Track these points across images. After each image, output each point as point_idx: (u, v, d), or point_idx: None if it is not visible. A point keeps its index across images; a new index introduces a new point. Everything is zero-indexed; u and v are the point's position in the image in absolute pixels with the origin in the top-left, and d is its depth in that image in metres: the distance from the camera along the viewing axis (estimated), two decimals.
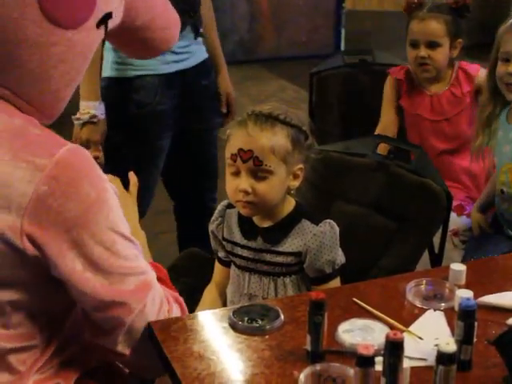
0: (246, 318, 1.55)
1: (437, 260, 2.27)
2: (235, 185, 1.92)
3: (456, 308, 1.59)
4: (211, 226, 2.12)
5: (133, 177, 1.84)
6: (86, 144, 2.63)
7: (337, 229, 1.99)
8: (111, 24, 1.51)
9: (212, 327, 1.57)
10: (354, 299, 1.64)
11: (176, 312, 1.57)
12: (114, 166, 2.60)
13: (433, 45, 2.98)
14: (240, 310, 1.59)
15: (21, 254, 1.36)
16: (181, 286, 1.88)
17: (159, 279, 1.57)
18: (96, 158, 2.56)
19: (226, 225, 2.10)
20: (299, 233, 1.99)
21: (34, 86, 1.42)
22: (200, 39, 2.89)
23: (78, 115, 2.64)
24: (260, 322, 1.55)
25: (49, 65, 1.40)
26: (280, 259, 2.00)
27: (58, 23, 1.37)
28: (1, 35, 1.36)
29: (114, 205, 1.43)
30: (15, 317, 1.44)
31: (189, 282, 2.22)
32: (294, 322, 1.57)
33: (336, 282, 2.02)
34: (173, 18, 1.73)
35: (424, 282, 1.69)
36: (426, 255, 2.29)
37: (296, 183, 1.99)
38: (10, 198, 1.33)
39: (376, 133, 3.03)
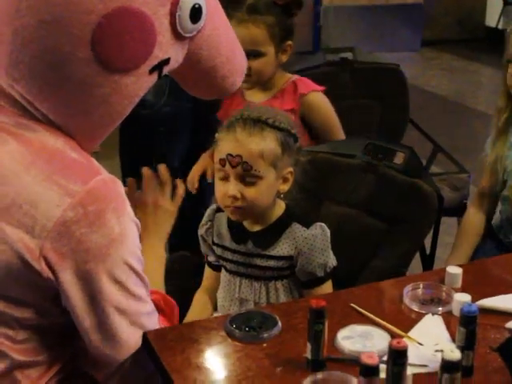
0: (243, 326, 1.53)
1: (429, 261, 2.26)
2: (224, 190, 1.90)
3: (454, 312, 1.59)
4: (200, 231, 2.10)
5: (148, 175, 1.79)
6: None
7: (328, 231, 1.97)
8: (168, 68, 1.44)
9: (209, 336, 1.55)
10: (352, 304, 1.63)
11: None
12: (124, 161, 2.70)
13: (253, 54, 2.44)
14: (237, 317, 1.57)
15: (36, 274, 1.35)
16: (171, 289, 1.84)
17: (161, 312, 1.56)
18: None
19: (215, 229, 2.07)
20: (290, 236, 1.97)
21: (74, 120, 1.39)
22: None
23: None
24: (258, 330, 1.53)
25: (90, 104, 1.36)
26: (271, 263, 1.98)
27: (107, 66, 1.32)
28: (48, 65, 1.31)
29: (133, 242, 1.42)
30: (23, 333, 1.43)
31: (179, 285, 2.14)
32: (292, 329, 1.55)
33: (328, 285, 2.00)
34: (238, 67, 1.62)
35: (421, 285, 1.68)
36: (417, 256, 2.28)
37: (286, 187, 1.97)
38: (36, 218, 1.32)
39: None
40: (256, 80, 2.51)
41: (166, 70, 1.43)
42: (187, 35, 1.43)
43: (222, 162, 1.89)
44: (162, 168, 1.79)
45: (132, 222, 1.41)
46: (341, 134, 2.63)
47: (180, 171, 2.74)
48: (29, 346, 1.44)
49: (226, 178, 1.90)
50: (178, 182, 1.82)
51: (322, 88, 2.62)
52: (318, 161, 2.33)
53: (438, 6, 8.72)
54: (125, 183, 2.47)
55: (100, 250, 1.35)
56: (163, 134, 2.76)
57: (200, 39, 1.49)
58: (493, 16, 8.72)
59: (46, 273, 1.34)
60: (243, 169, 1.87)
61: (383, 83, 3.42)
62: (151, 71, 1.39)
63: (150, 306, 1.49)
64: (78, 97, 1.35)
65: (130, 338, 1.44)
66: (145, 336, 1.48)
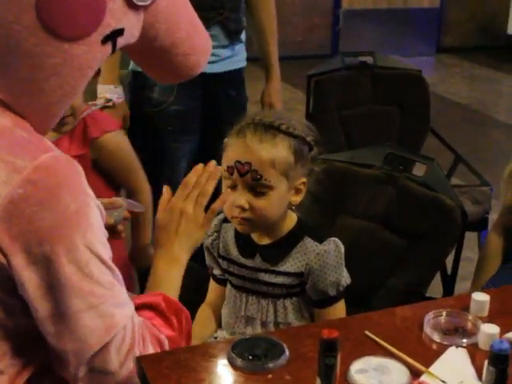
0: (246, 354, 1.39)
1: (450, 282, 2.13)
2: (231, 199, 1.80)
3: (480, 345, 1.45)
4: (206, 241, 2.00)
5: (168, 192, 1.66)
6: None
7: (342, 247, 1.87)
8: (123, 41, 1.36)
9: (208, 364, 1.41)
10: (367, 332, 1.49)
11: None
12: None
13: None
14: (240, 343, 1.43)
15: None
16: None
17: (161, 316, 1.46)
18: None
19: (221, 240, 1.98)
20: (301, 251, 1.87)
21: (24, 97, 1.30)
22: (239, 48, 2.71)
23: (94, 102, 2.57)
24: (263, 359, 1.39)
25: (40, 77, 1.28)
26: (280, 280, 1.89)
27: (55, 33, 1.25)
28: None
29: (95, 224, 1.30)
30: None
31: (183, 299, 2.03)
32: (301, 358, 1.41)
33: (341, 305, 1.90)
34: (200, 44, 1.55)
35: (443, 313, 1.54)
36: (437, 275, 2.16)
37: (298, 199, 1.87)
38: None
39: None
40: None
41: (120, 42, 1.35)
42: (140, 3, 1.36)
43: (230, 169, 1.79)
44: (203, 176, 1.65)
45: (93, 204, 1.31)
46: (142, 179, 2.46)
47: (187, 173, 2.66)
48: None
49: (234, 187, 1.81)
50: (220, 198, 1.68)
51: (117, 126, 2.46)
52: (334, 170, 2.24)
53: (459, 12, 8.61)
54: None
55: (54, 229, 1.24)
56: (171, 134, 2.67)
57: (156, 11, 1.41)
58: None
59: None
60: (252, 178, 1.78)
61: (405, 90, 3.29)
62: (104, 41, 1.31)
63: (121, 297, 1.37)
64: (27, 69, 1.27)
65: (94, 331, 1.31)
66: (138, 362, 1.35)
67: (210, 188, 1.62)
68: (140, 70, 2.51)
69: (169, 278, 1.58)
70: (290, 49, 7.01)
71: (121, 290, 1.37)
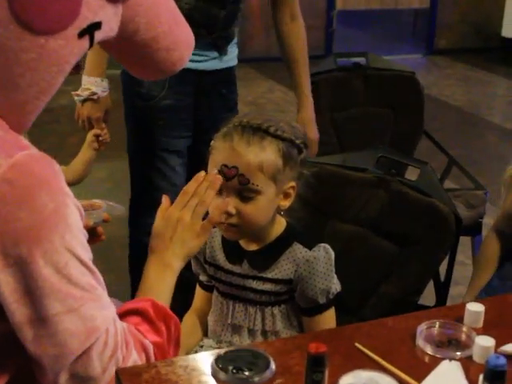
0: (231, 367, 1.33)
1: (443, 290, 2.07)
2: (217, 204, 1.72)
3: (475, 358, 1.39)
4: None
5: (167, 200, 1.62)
6: (88, 121, 2.60)
7: (332, 253, 1.83)
8: (101, 35, 1.31)
9: (190, 377, 1.34)
10: (357, 345, 1.42)
11: (134, 361, 1.36)
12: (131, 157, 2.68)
13: None
14: (224, 356, 1.36)
15: None
16: None
17: (148, 322, 1.42)
18: (98, 136, 2.58)
19: (208, 246, 1.92)
20: (290, 258, 1.83)
21: None
22: (230, 48, 2.65)
23: (79, 91, 2.57)
24: (247, 373, 1.32)
25: (15, 72, 1.22)
26: (268, 287, 1.84)
27: (29, 27, 1.19)
28: None
29: (74, 225, 1.25)
30: None
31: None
32: (287, 372, 1.34)
33: (330, 314, 1.86)
34: (183, 39, 1.50)
35: (437, 324, 1.48)
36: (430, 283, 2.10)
37: (287, 203, 1.83)
38: None
39: None
40: None
41: (98, 36, 1.31)
42: None
43: (216, 173, 1.72)
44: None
45: (72, 205, 1.26)
46: None
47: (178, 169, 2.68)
48: None
49: (219, 192, 1.73)
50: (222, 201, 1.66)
51: None
52: (325, 174, 2.17)
53: (452, 14, 8.58)
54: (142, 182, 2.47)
55: (31, 230, 1.19)
56: (162, 128, 2.62)
57: (135, 4, 1.37)
58: (509, 27, 8.57)
59: None
60: (240, 182, 1.74)
61: (398, 91, 3.24)
62: (81, 35, 1.26)
63: (103, 300, 1.32)
64: (1, 64, 1.21)
65: (75, 335, 1.26)
66: (116, 375, 1.29)
67: (209, 197, 1.58)
68: None
69: (159, 284, 1.53)
70: None
71: (102, 292, 1.32)
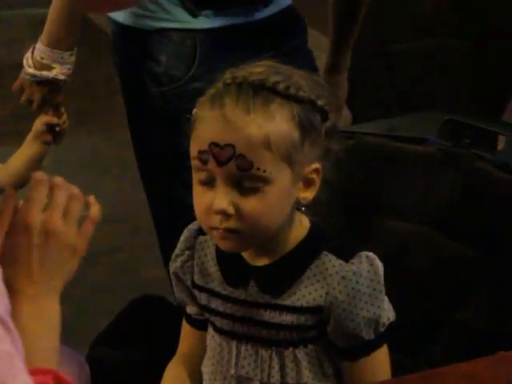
0: None
1: None
2: (207, 202, 1.40)
3: None
4: (174, 265, 1.58)
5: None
6: (41, 102, 2.04)
7: (380, 266, 1.46)
8: None
9: None
10: None
11: None
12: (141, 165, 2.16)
13: None
14: None
15: None
16: (126, 356, 1.62)
17: None
18: (55, 126, 2.07)
19: (197, 262, 1.56)
20: (318, 275, 1.47)
21: None
22: None
23: (31, 70, 1.99)
24: None
25: None
26: (287, 319, 1.48)
27: None
28: None
29: None
30: None
31: (141, 349, 1.80)
32: None
33: (382, 354, 1.48)
34: None
35: None
36: None
37: (309, 194, 1.45)
38: None
39: None
40: None
41: None
42: None
43: (204, 155, 1.40)
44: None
45: None
46: None
47: None
48: None
49: (210, 183, 1.41)
50: (91, 198, 1.27)
51: None
52: (365, 148, 1.81)
53: None
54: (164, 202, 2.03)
55: None
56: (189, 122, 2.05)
57: None
58: None
59: None
60: (238, 167, 1.38)
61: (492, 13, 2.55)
62: None
63: (18, 367, 1.06)
64: None
65: None
66: None
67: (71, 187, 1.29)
68: (138, 26, 1.97)
69: (44, 341, 1.25)
70: None
71: (18, 357, 1.07)
